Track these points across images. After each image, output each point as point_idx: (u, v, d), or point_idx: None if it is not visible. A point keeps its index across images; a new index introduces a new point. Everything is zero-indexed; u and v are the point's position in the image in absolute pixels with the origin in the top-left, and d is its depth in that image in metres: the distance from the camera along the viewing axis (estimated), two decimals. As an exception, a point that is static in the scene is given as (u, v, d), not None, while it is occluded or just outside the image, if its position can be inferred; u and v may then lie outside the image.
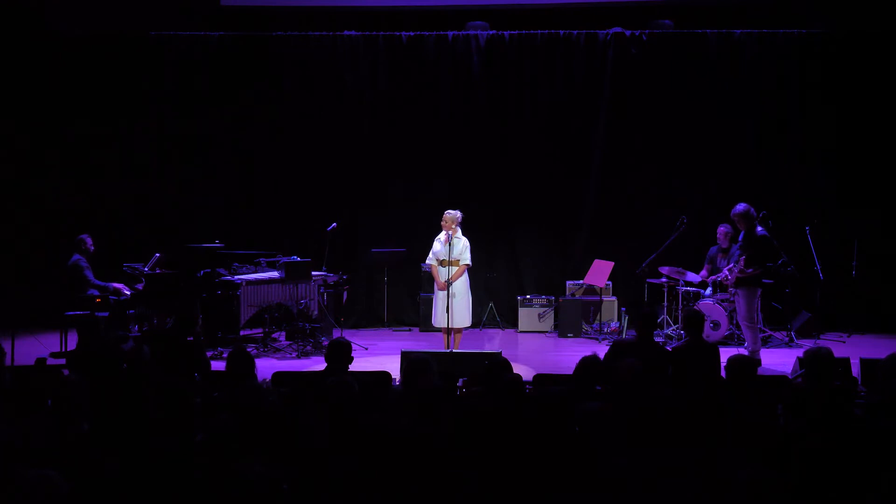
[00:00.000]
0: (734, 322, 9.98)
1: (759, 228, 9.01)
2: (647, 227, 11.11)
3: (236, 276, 9.92)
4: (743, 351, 8.94)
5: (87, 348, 5.96)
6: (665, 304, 10.55)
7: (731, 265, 9.21)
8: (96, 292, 9.45)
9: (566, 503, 3.74)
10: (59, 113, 11.53)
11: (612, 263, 10.64)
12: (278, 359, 9.38)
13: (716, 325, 9.85)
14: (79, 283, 9.38)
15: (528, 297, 11.40)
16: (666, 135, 11.40)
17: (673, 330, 10.30)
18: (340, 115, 11.59)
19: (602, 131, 11.49)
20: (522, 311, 11.32)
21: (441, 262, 8.99)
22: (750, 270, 8.92)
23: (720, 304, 9.90)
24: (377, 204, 11.63)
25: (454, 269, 8.93)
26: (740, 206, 9.04)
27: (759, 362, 8.44)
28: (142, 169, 11.69)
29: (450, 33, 11.60)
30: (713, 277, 10.22)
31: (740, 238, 9.18)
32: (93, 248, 9.70)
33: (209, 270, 9.87)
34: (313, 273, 10.11)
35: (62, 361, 7.07)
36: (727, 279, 9.30)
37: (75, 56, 11.51)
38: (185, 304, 9.13)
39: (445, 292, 8.91)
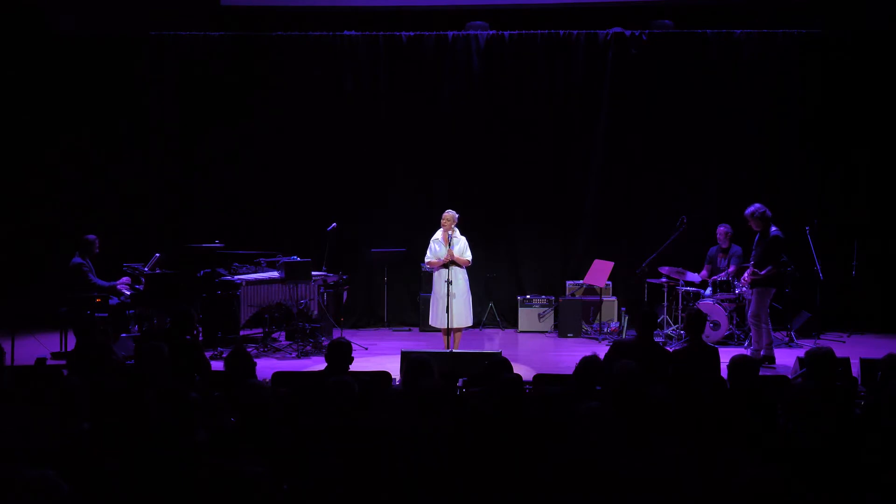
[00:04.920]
0: (734, 322, 10.00)
1: (773, 228, 9.02)
2: (647, 227, 11.12)
3: (236, 276, 9.92)
4: (744, 351, 8.95)
5: (83, 349, 5.95)
6: (665, 304, 10.55)
7: (750, 269, 9.15)
8: (96, 293, 9.45)
9: (566, 503, 3.74)
10: (58, 113, 11.53)
11: (612, 263, 10.65)
12: (278, 359, 9.38)
13: (716, 326, 9.85)
14: (81, 285, 9.37)
15: (528, 297, 11.40)
16: (666, 135, 11.41)
17: (673, 330, 10.30)
18: (340, 115, 11.59)
19: (602, 131, 11.49)
20: (522, 311, 11.32)
21: (445, 264, 9.03)
22: (763, 273, 8.94)
23: (720, 305, 9.90)
24: (377, 204, 11.63)
25: (456, 267, 8.97)
26: (754, 207, 9.03)
27: (761, 362, 8.43)
28: (142, 169, 11.69)
29: (450, 33, 11.59)
30: (714, 277, 10.24)
31: (755, 239, 9.18)
32: (98, 249, 9.71)
33: (209, 270, 9.88)
34: (313, 273, 10.10)
35: (62, 361, 7.07)
36: (744, 281, 9.29)
37: (75, 56, 11.51)
38: (184, 303, 9.12)
39: (445, 292, 8.92)
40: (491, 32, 11.57)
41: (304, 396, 5.12)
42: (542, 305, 11.31)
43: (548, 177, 11.58)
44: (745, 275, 9.28)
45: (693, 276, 10.38)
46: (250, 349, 8.27)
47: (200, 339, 9.54)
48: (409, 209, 11.55)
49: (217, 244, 10.16)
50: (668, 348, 7.52)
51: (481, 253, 10.04)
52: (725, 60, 11.36)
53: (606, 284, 10.89)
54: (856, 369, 7.13)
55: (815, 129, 11.25)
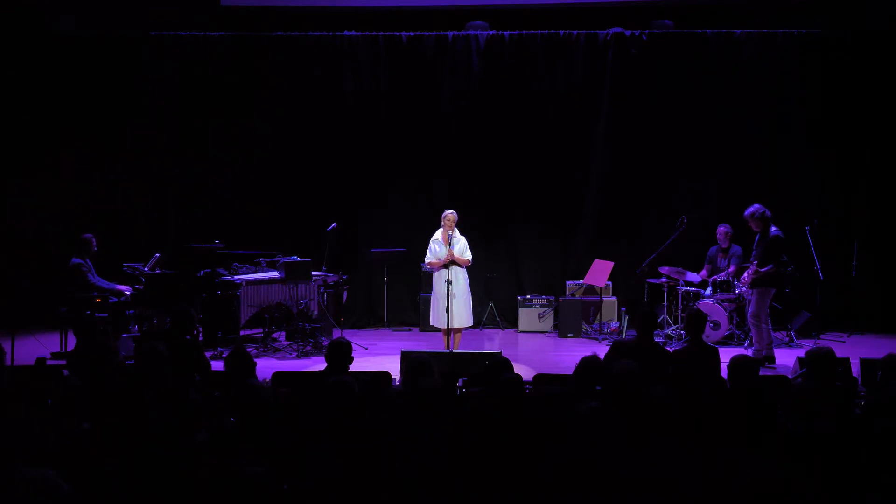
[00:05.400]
0: (734, 322, 10.00)
1: (773, 228, 9.02)
2: (647, 227, 11.12)
3: (236, 276, 9.92)
4: (744, 351, 8.95)
5: (83, 348, 5.96)
6: (665, 304, 10.55)
7: (751, 269, 9.13)
8: (96, 293, 9.44)
9: (566, 503, 3.74)
10: (58, 113, 11.53)
11: (612, 263, 10.65)
12: (278, 359, 9.38)
13: (716, 326, 9.85)
14: (81, 285, 9.36)
15: (528, 297, 11.39)
16: (666, 135, 11.41)
17: (673, 330, 10.30)
18: (340, 115, 11.59)
19: (602, 131, 11.49)
20: (522, 311, 11.32)
21: (445, 264, 9.03)
22: (764, 270, 8.94)
23: (720, 304, 9.90)
24: (377, 204, 11.63)
25: (456, 267, 8.97)
26: (754, 208, 9.04)
27: (761, 362, 8.43)
28: (142, 169, 11.69)
29: (450, 33, 11.59)
30: (714, 277, 10.23)
31: (756, 239, 9.18)
32: (96, 248, 9.70)
33: (209, 270, 9.88)
34: (313, 273, 10.10)
35: (62, 361, 7.06)
36: (744, 281, 9.27)
37: (75, 56, 11.51)
38: (184, 303, 9.12)
39: (445, 292, 8.92)
40: (491, 32, 11.57)
41: (304, 396, 5.12)
42: (542, 305, 11.31)
43: (548, 176, 11.57)
44: (745, 275, 9.28)
45: (693, 276, 10.38)
46: (250, 349, 8.26)
47: (200, 339, 9.54)
48: (409, 209, 11.55)
49: (217, 244, 10.16)
50: (668, 348, 7.52)
51: (481, 253, 10.04)
52: (725, 60, 11.35)
53: (606, 284, 10.89)
54: (856, 369, 7.13)
55: (815, 129, 11.24)
